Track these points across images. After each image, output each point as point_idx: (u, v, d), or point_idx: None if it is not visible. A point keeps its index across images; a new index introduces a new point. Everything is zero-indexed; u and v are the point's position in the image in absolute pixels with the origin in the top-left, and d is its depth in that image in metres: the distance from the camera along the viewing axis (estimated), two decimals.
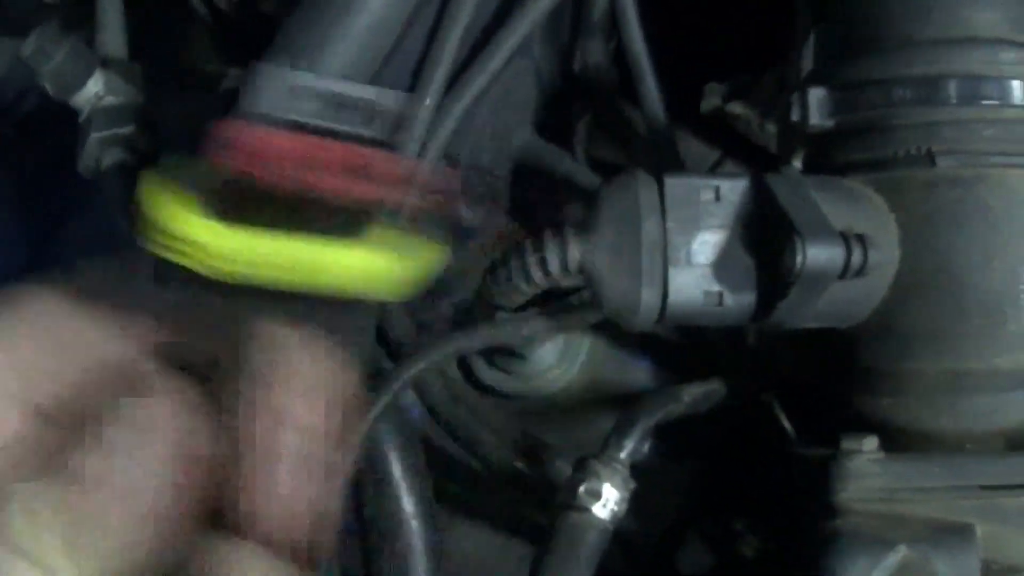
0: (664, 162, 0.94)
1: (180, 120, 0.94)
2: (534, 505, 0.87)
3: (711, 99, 1.06)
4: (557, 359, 1.02)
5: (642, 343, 1.02)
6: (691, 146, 1.13)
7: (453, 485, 0.94)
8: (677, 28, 1.11)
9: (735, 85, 1.05)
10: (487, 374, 1.04)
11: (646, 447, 0.95)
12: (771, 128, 1.06)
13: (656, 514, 0.96)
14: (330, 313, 0.72)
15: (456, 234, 1.01)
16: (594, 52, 1.05)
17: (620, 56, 1.03)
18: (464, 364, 1.04)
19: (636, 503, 0.85)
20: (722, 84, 1.07)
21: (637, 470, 0.83)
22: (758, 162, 1.07)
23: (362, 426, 0.79)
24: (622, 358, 1.02)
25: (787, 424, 0.88)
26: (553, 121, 1.07)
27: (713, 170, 1.11)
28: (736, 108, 1.05)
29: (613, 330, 1.00)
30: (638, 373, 1.02)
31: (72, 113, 0.95)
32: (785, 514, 0.87)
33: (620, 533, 0.91)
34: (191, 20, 0.97)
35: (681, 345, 1.01)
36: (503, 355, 1.01)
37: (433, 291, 0.98)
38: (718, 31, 1.10)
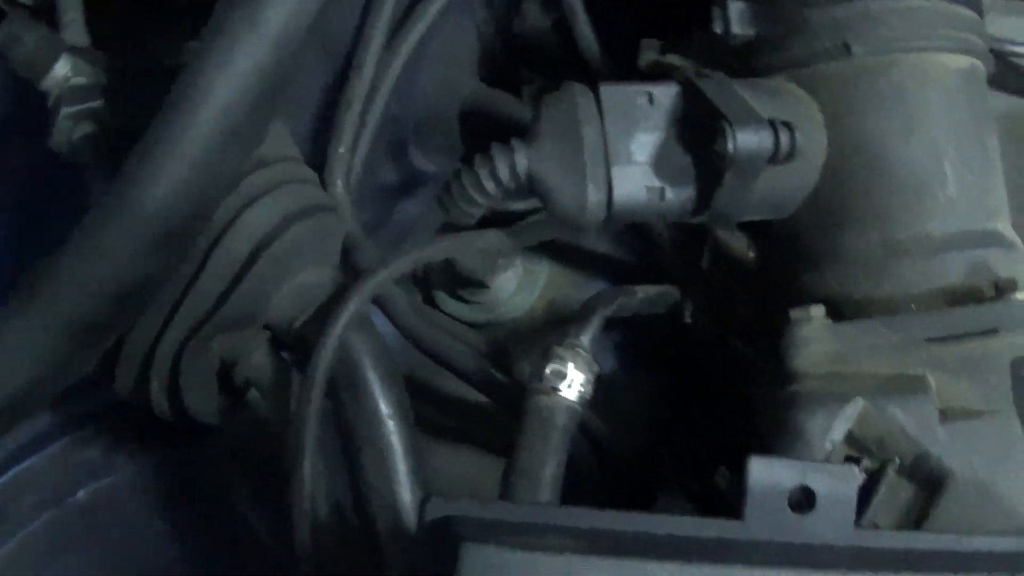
0: None
1: (145, 104, 0.98)
2: (508, 416, 0.89)
3: (648, 53, 1.10)
4: (517, 286, 1.05)
5: (598, 267, 1.06)
6: None
7: (431, 411, 0.97)
8: None
9: (670, 39, 1.09)
10: (451, 306, 1.07)
11: (612, 365, 0.99)
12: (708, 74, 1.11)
13: (630, 422, 0.99)
14: None
15: (412, 184, 1.05)
16: (531, 15, 1.10)
17: (558, 23, 1.09)
18: (430, 301, 1.08)
19: (609, 411, 0.88)
20: (655, 40, 1.11)
21: (604, 383, 0.87)
22: None
23: (335, 333, 0.83)
24: (579, 282, 1.06)
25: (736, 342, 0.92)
26: (499, 83, 1.12)
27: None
28: (673, 60, 1.09)
29: (569, 256, 1.04)
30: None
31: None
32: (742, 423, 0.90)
33: (597, 439, 0.95)
34: (151, 11, 1.02)
35: (636, 267, 1.05)
36: (467, 287, 1.05)
37: (394, 239, 1.02)
38: None
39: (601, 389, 0.86)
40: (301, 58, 0.79)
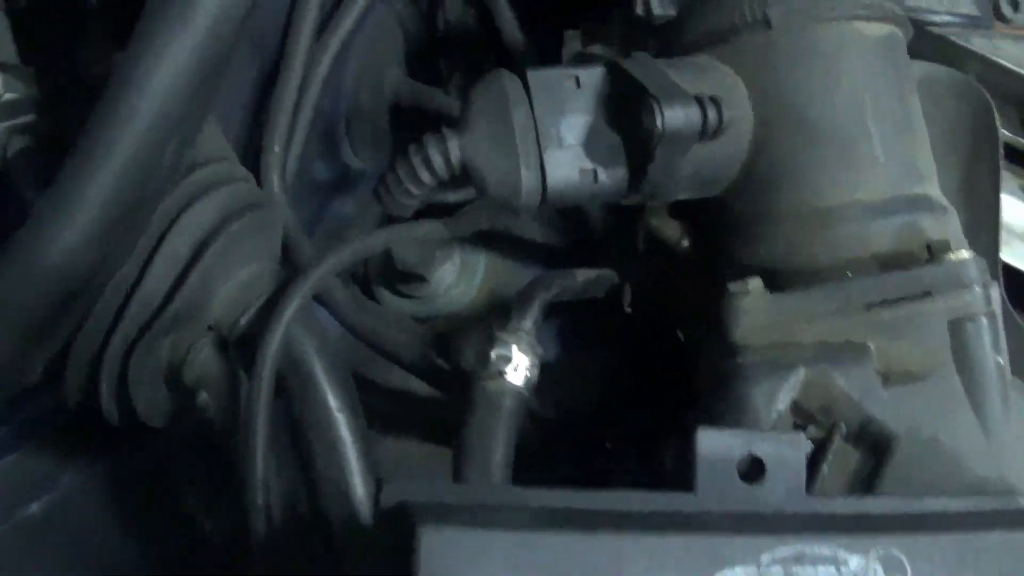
0: None
1: (77, 115, 0.98)
2: (453, 403, 0.90)
3: (571, 45, 1.11)
4: (456, 278, 1.06)
5: (535, 254, 1.07)
6: None
7: (377, 403, 0.97)
8: None
9: (590, 29, 1.11)
10: (392, 300, 1.08)
11: (555, 351, 1.00)
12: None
13: (575, 405, 1.00)
14: None
15: (345, 181, 1.06)
16: (454, 8, 1.12)
17: (479, 14, 1.10)
18: (369, 294, 1.08)
19: (554, 395, 0.89)
20: (577, 31, 1.13)
21: (548, 368, 0.88)
22: None
23: (280, 327, 0.83)
24: (517, 270, 1.07)
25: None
26: (425, 78, 1.13)
27: None
28: (595, 49, 1.10)
29: (506, 245, 1.05)
30: None
31: None
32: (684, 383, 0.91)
33: (542, 424, 0.96)
34: (79, 23, 1.02)
35: (573, 254, 1.06)
36: (406, 281, 1.05)
37: (328, 237, 1.03)
38: None
39: (546, 373, 0.86)
40: (234, 48, 0.80)
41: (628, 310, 0.99)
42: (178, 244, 0.82)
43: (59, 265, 0.72)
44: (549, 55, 1.11)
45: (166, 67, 0.71)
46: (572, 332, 1.03)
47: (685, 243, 0.96)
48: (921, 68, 0.96)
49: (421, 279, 1.03)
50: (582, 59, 1.12)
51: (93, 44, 1.01)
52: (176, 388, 0.87)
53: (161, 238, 0.81)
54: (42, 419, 0.95)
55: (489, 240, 1.03)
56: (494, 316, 0.94)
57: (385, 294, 1.08)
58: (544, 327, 0.88)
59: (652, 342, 1.00)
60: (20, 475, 0.94)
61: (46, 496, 0.95)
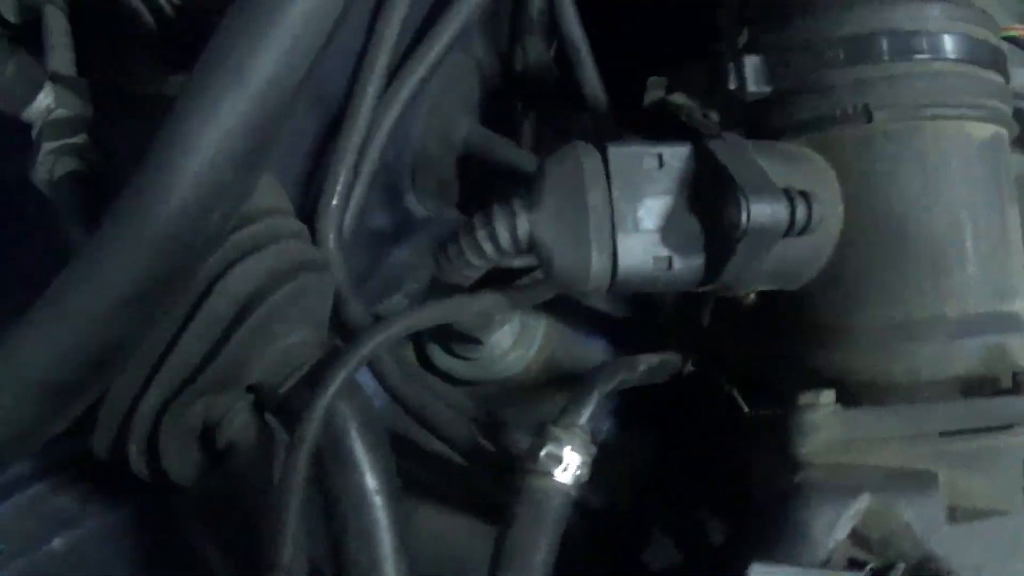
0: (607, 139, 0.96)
1: (126, 135, 0.95)
2: (495, 482, 0.87)
3: (654, 92, 1.08)
4: (514, 342, 1.02)
5: (597, 323, 1.03)
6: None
7: (418, 469, 0.94)
8: (613, 31, 1.13)
9: (675, 77, 1.07)
10: (446, 361, 1.03)
11: (607, 425, 0.96)
12: (713, 115, 1.08)
13: (615, 483, 0.96)
14: None
15: (407, 229, 1.02)
16: (534, 51, 1.08)
17: (559, 56, 1.06)
18: (422, 353, 1.05)
19: (602, 477, 0.85)
20: (662, 78, 1.09)
21: (601, 447, 0.84)
22: None
23: (322, 403, 0.80)
24: (577, 339, 1.02)
25: (737, 396, 0.89)
26: (498, 120, 1.09)
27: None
28: (678, 99, 1.07)
29: (568, 311, 1.01)
30: (594, 353, 1.02)
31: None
32: (738, 482, 0.87)
33: (590, 507, 0.93)
34: (136, 39, 0.99)
35: (635, 324, 1.02)
36: (460, 342, 1.01)
37: (386, 284, 0.99)
38: (653, 29, 1.13)
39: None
40: (291, 112, 0.76)
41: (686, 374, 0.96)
42: (219, 305, 0.78)
43: (86, 333, 0.68)
44: (629, 98, 1.08)
45: (213, 130, 0.68)
46: (621, 407, 0.99)
47: (753, 297, 0.92)
48: (1019, 167, 0.91)
49: (477, 342, 0.99)
50: (663, 107, 1.08)
51: (149, 63, 0.98)
52: (208, 449, 0.84)
53: (202, 297, 0.77)
54: (71, 455, 0.93)
55: (550, 305, 0.99)
56: (548, 392, 0.91)
57: (437, 352, 1.03)
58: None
59: (705, 415, 0.96)
60: (44, 508, 0.92)
61: (69, 531, 0.93)
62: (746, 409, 0.88)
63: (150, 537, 0.94)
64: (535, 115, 1.11)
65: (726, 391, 0.91)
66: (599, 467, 0.83)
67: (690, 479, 1.00)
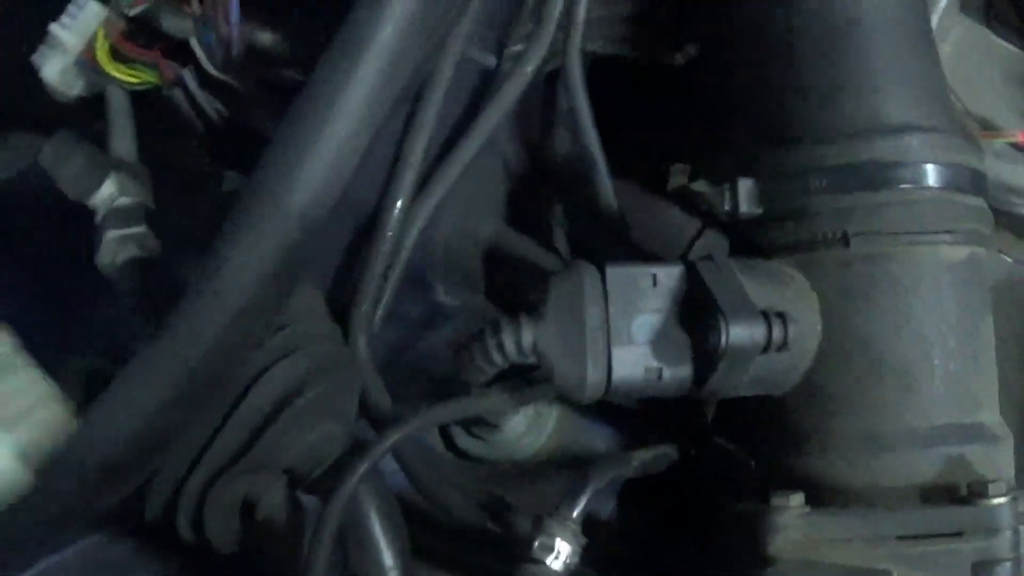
0: (617, 246, 1.04)
1: (180, 219, 1.03)
2: (498, 560, 0.95)
3: (677, 178, 1.13)
4: (527, 428, 1.10)
5: (605, 413, 1.10)
6: (674, 218, 1.20)
7: (428, 538, 1.02)
8: (645, 113, 1.19)
9: (700, 163, 1.12)
10: (464, 441, 1.12)
11: (611, 506, 1.04)
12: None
13: (616, 566, 1.03)
14: None
15: (436, 317, 1.10)
16: (561, 141, 1.14)
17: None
18: (444, 431, 1.13)
19: (598, 556, 0.93)
20: (686, 165, 1.14)
21: (599, 526, 0.92)
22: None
23: (347, 490, 0.89)
24: (586, 426, 1.10)
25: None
26: (528, 206, 1.17)
27: (693, 242, 1.18)
28: (700, 186, 1.12)
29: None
30: (601, 439, 1.10)
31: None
32: (714, 563, 0.95)
33: None
34: (189, 124, 1.07)
35: (641, 412, 1.09)
36: (479, 424, 1.10)
37: (415, 369, 1.07)
38: (682, 116, 1.18)
39: (594, 529, 0.91)
40: (323, 234, 0.84)
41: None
42: (259, 401, 0.87)
43: (142, 423, 0.78)
44: (654, 177, 1.14)
45: (253, 259, 0.76)
46: (625, 493, 1.06)
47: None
48: (1002, 271, 0.97)
49: (494, 427, 1.08)
50: (685, 193, 1.14)
51: (199, 153, 1.06)
52: (247, 522, 0.92)
53: (244, 393, 0.86)
54: (129, 509, 1.01)
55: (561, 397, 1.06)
56: (554, 477, 0.99)
57: (459, 432, 1.12)
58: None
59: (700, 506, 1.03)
60: (101, 557, 1.00)
61: None
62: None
63: None
64: (562, 205, 1.17)
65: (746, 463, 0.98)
66: (596, 547, 0.91)
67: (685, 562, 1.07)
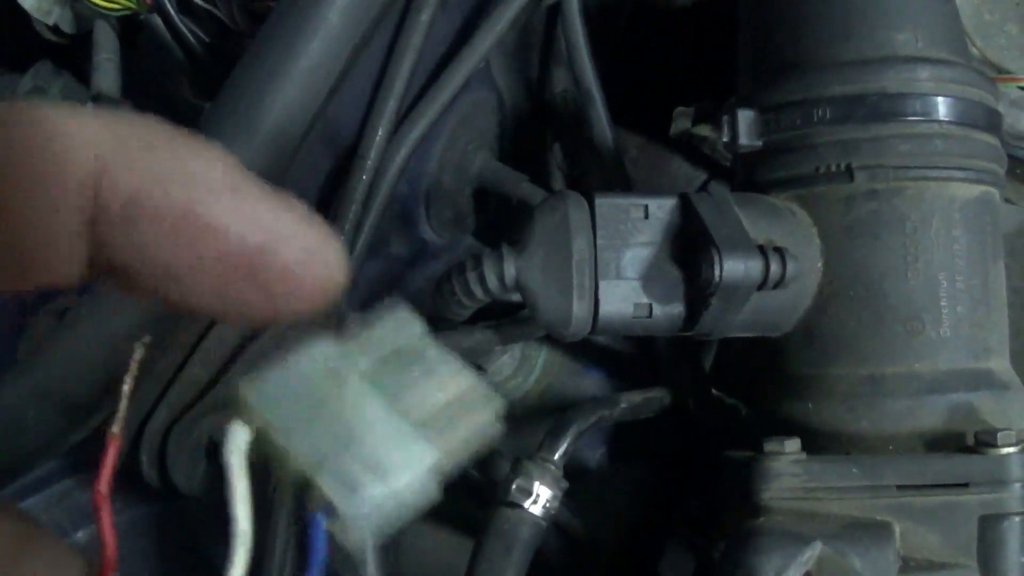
0: (613, 182, 0.99)
1: None
2: (480, 506, 0.91)
3: (680, 122, 1.10)
4: (513, 370, 1.05)
5: (595, 354, 1.06)
6: (680, 167, 1.17)
7: None
8: (648, 57, 1.16)
9: (703, 108, 1.09)
10: None
11: (600, 452, 0.99)
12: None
13: (607, 515, 0.99)
14: None
15: (421, 255, 1.06)
16: (560, 80, 1.10)
17: None
18: None
19: (586, 504, 0.89)
20: (690, 108, 1.11)
21: (588, 473, 0.88)
22: None
23: None
24: (576, 369, 1.06)
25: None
26: (527, 146, 1.12)
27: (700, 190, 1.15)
28: (702, 130, 1.09)
29: (567, 343, 1.04)
30: (590, 383, 1.05)
31: None
32: (714, 515, 0.90)
33: (574, 535, 0.96)
34: (176, 59, 1.04)
35: (633, 356, 1.05)
36: None
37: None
38: (685, 59, 1.14)
39: (581, 481, 0.87)
40: (301, 150, 0.81)
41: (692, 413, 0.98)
42: (225, 332, 0.83)
43: (100, 357, 0.74)
44: (660, 128, 1.11)
45: None
46: (615, 441, 1.02)
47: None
48: (1013, 221, 0.93)
49: (479, 368, 1.03)
50: (688, 138, 1.10)
51: (183, 90, 1.03)
52: (214, 462, 0.89)
53: (208, 327, 0.82)
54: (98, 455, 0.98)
55: (552, 337, 1.02)
56: (542, 419, 0.95)
57: None
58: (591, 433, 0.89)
59: (699, 458, 0.99)
60: (70, 502, 0.97)
61: (91, 525, 0.98)
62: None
63: (166, 536, 0.99)
64: (560, 145, 1.13)
65: (742, 414, 0.94)
66: (586, 495, 0.87)
67: (687, 506, 1.02)
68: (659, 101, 1.12)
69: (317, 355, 0.48)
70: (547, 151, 1.14)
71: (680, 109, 1.10)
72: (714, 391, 0.98)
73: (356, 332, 0.49)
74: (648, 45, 1.19)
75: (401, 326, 0.51)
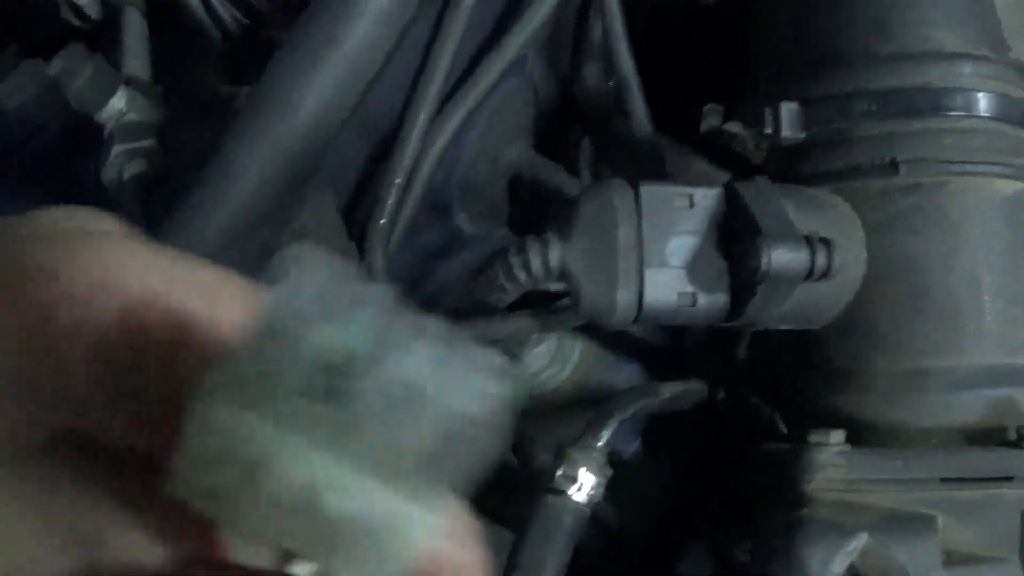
0: (652, 173, 0.98)
1: (193, 140, 0.99)
2: (518, 495, 0.90)
3: (710, 119, 1.09)
4: (549, 361, 1.04)
5: (630, 347, 1.05)
6: (700, 168, 1.16)
7: None
8: (677, 55, 1.15)
9: (733, 106, 1.09)
10: None
11: (634, 444, 0.99)
12: (765, 146, 1.10)
13: (640, 507, 0.99)
14: None
15: (454, 245, 1.05)
16: (592, 76, 1.10)
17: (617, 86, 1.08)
18: None
19: (621, 496, 0.89)
20: (721, 105, 1.10)
21: (623, 466, 0.87)
22: None
23: None
24: (611, 361, 1.05)
25: (777, 419, 0.92)
26: (555, 141, 1.11)
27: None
28: (733, 127, 1.08)
29: (603, 335, 1.04)
30: (625, 375, 1.04)
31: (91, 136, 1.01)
32: (749, 509, 0.90)
33: (607, 525, 0.96)
34: (206, 45, 1.03)
35: (668, 349, 1.04)
36: None
37: (431, 299, 1.02)
38: (715, 56, 1.14)
39: (616, 473, 0.86)
40: (340, 137, 0.80)
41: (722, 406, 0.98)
42: None
43: None
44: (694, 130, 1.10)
45: (259, 158, 0.72)
46: (649, 432, 1.01)
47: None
48: None
49: (514, 357, 1.03)
50: (718, 136, 1.10)
51: (215, 72, 1.02)
52: None
53: None
54: None
55: (586, 328, 1.01)
56: (577, 412, 0.94)
57: None
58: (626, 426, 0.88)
59: (725, 447, 0.99)
60: None
61: None
62: (784, 431, 0.91)
63: None
64: (590, 139, 1.13)
65: (767, 415, 0.94)
66: (621, 486, 0.86)
67: (725, 499, 1.02)
68: (679, 100, 1.11)
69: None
70: (573, 147, 1.13)
71: (710, 106, 1.10)
72: (747, 381, 0.97)
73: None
74: (668, 43, 1.18)
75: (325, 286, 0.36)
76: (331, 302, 0.35)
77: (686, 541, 1.02)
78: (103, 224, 0.41)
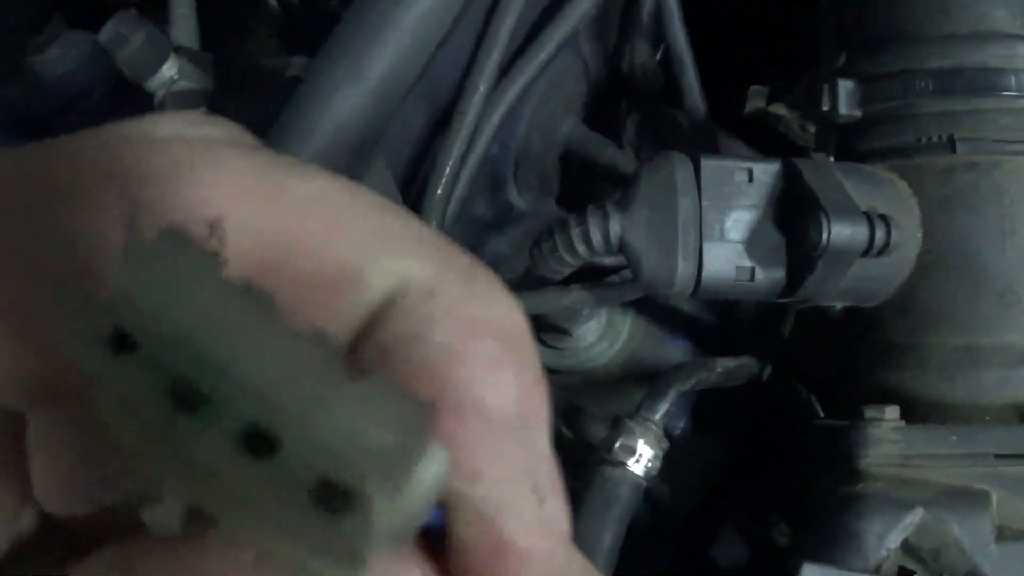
0: (705, 149, 0.98)
1: (243, 110, 0.99)
2: (572, 469, 0.90)
3: (755, 101, 1.10)
4: (599, 336, 1.04)
5: (680, 324, 1.05)
6: (737, 150, 1.17)
7: None
8: (721, 37, 1.16)
9: (777, 88, 1.09)
10: None
11: (683, 422, 0.99)
12: (811, 128, 1.10)
13: (687, 485, 0.99)
14: None
15: (506, 219, 1.05)
16: (641, 53, 1.10)
17: (665, 59, 1.08)
18: None
19: (670, 472, 0.89)
20: (765, 87, 1.11)
21: (674, 441, 0.87)
22: None
23: None
24: (660, 337, 1.05)
25: (814, 402, 0.92)
26: (602, 117, 1.12)
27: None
28: (778, 109, 1.09)
29: (653, 311, 1.04)
30: (674, 352, 1.04)
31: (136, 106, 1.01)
32: (801, 486, 0.90)
33: (655, 501, 0.96)
34: (258, 15, 1.03)
35: (716, 327, 1.05)
36: (550, 332, 1.04)
37: None
38: (759, 37, 1.14)
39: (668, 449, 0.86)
40: (400, 105, 0.80)
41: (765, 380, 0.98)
42: None
43: None
44: (732, 115, 1.11)
45: (329, 121, 0.73)
46: (698, 410, 1.01)
47: (838, 308, 0.94)
48: None
49: (565, 333, 1.03)
50: (763, 116, 1.11)
51: (269, 42, 1.02)
52: None
53: None
54: None
55: (637, 304, 1.02)
56: (628, 387, 0.94)
57: None
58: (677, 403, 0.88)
59: (775, 424, 0.99)
60: None
61: None
62: (821, 414, 0.91)
63: None
64: (638, 116, 1.13)
65: (803, 397, 0.94)
66: (671, 463, 0.87)
67: (759, 482, 1.02)
68: (718, 81, 1.12)
69: None
70: (620, 123, 1.13)
71: (755, 88, 1.11)
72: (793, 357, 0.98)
73: None
74: (710, 26, 1.19)
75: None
76: None
77: (720, 524, 1.02)
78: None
